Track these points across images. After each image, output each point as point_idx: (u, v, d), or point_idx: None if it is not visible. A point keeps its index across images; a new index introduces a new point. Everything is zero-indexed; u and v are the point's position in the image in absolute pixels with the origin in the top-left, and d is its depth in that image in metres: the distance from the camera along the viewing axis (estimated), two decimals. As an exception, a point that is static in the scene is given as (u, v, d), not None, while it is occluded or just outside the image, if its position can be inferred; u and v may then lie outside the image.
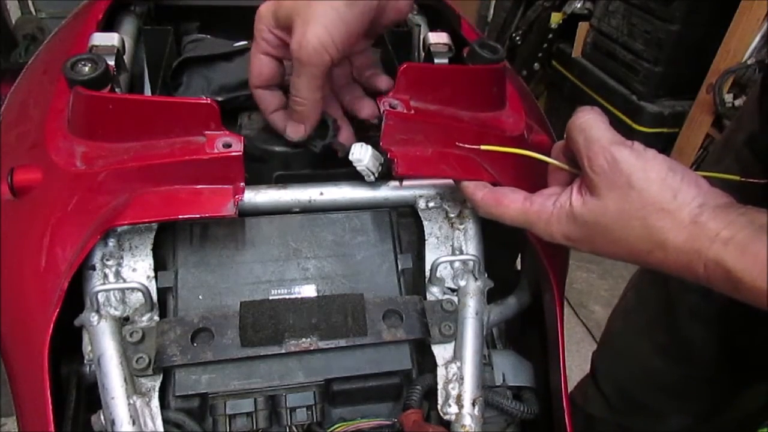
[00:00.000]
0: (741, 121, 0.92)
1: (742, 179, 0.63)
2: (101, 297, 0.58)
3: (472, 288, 0.66)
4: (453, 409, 0.60)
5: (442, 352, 0.63)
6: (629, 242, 0.50)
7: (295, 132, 0.64)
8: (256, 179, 0.67)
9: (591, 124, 0.53)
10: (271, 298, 0.62)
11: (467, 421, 0.59)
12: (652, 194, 0.48)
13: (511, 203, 0.58)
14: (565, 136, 0.57)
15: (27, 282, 0.59)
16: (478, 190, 0.61)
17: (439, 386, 0.61)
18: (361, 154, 0.63)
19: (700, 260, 0.46)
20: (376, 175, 0.65)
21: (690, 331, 0.98)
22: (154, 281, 0.61)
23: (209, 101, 0.59)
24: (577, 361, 1.60)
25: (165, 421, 0.56)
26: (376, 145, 0.64)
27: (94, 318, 0.57)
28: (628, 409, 1.16)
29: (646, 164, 0.49)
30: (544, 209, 0.55)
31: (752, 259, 0.43)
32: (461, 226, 0.69)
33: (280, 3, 0.59)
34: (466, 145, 0.63)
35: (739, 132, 0.89)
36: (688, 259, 0.47)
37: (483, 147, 0.63)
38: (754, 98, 0.88)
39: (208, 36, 0.88)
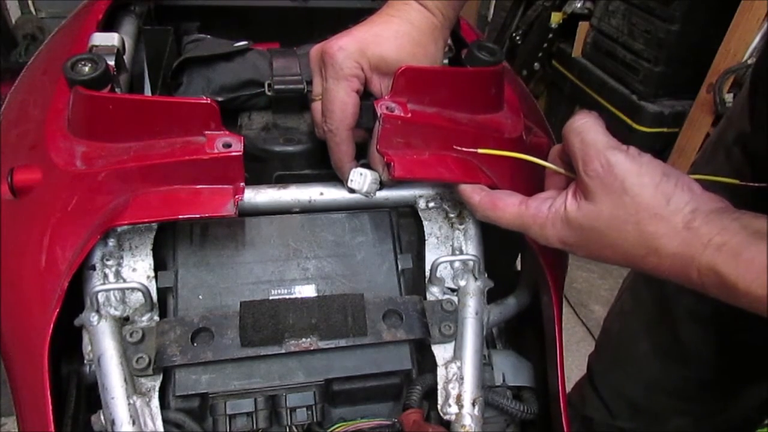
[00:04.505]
0: (731, 119, 0.92)
1: (740, 183, 0.63)
2: (101, 297, 0.58)
3: (472, 288, 0.66)
4: (453, 409, 0.60)
5: (442, 352, 0.63)
6: (623, 247, 0.50)
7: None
8: (256, 179, 0.67)
9: (587, 128, 0.53)
10: (271, 298, 0.62)
11: (467, 421, 0.59)
12: (645, 199, 0.49)
13: (507, 207, 0.58)
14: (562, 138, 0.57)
15: (27, 282, 0.59)
16: (475, 194, 0.61)
17: (439, 386, 0.61)
18: (361, 183, 0.64)
19: (694, 266, 0.46)
20: (374, 194, 0.66)
21: (687, 332, 0.98)
22: (154, 281, 0.61)
23: (209, 101, 0.59)
24: (577, 361, 1.60)
25: (165, 421, 0.56)
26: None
27: (94, 318, 0.57)
28: (627, 412, 1.16)
29: (641, 169, 0.49)
30: (539, 213, 0.55)
31: (746, 265, 0.43)
32: (461, 226, 0.69)
33: (376, 51, 0.62)
34: (463, 149, 0.63)
35: (730, 130, 0.89)
36: (682, 265, 0.47)
37: (480, 150, 0.63)
38: (743, 97, 0.88)
39: (208, 36, 0.88)
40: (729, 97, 1.97)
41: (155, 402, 0.56)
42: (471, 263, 0.66)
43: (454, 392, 0.61)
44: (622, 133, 2.24)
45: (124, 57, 0.71)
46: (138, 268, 0.61)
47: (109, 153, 0.59)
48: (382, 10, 0.65)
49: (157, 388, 0.57)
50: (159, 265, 0.62)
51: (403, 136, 0.62)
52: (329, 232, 0.67)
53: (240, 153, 0.59)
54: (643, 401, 1.12)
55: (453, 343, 0.64)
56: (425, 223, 0.68)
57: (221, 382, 0.58)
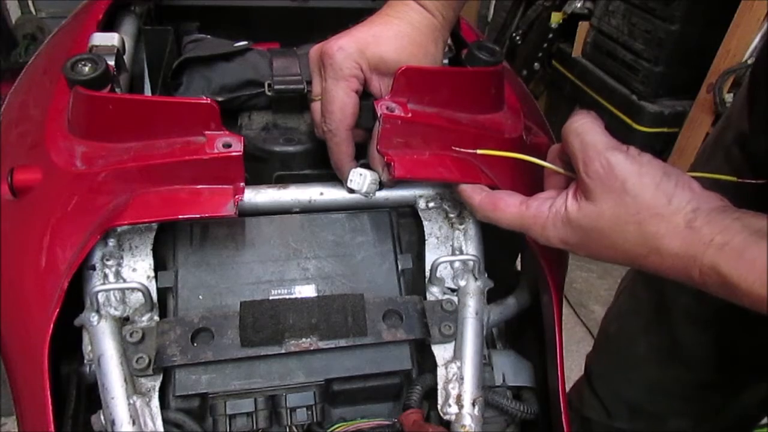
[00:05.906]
0: (730, 119, 0.91)
1: (738, 180, 0.63)
2: (101, 297, 0.58)
3: (472, 288, 0.66)
4: (453, 409, 0.60)
5: (442, 352, 0.63)
6: (625, 247, 0.50)
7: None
8: (256, 179, 0.67)
9: (586, 129, 0.53)
10: (271, 298, 0.62)
11: (467, 421, 0.59)
12: (646, 199, 0.49)
13: (508, 207, 0.58)
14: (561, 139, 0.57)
15: (27, 282, 0.59)
16: (475, 194, 0.61)
17: (439, 386, 0.61)
18: (361, 183, 0.64)
19: (695, 265, 0.46)
20: (374, 194, 0.66)
21: (685, 333, 0.97)
22: (154, 281, 0.61)
23: (209, 101, 0.59)
24: (577, 361, 1.60)
25: (165, 421, 0.56)
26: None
27: (94, 318, 0.57)
28: (625, 413, 1.15)
29: (641, 169, 0.50)
30: (540, 214, 0.55)
31: (747, 266, 0.43)
32: (461, 226, 0.69)
33: (375, 51, 0.62)
34: (462, 150, 0.63)
35: (728, 130, 0.89)
36: (684, 264, 0.47)
37: (479, 151, 0.63)
38: (742, 96, 0.87)
39: (208, 36, 0.88)
40: (729, 97, 1.97)
41: (155, 402, 0.56)
42: (471, 263, 0.66)
43: (454, 392, 0.61)
44: (622, 133, 2.24)
45: (124, 57, 0.71)
46: (138, 268, 0.61)
47: (109, 153, 0.59)
48: (381, 11, 0.65)
49: (157, 388, 0.57)
50: (159, 265, 0.62)
51: (403, 136, 0.62)
52: (329, 232, 0.67)
53: (240, 153, 0.59)
54: (641, 402, 1.12)
55: (453, 343, 0.64)
56: (425, 223, 0.68)
57: (221, 382, 0.58)
